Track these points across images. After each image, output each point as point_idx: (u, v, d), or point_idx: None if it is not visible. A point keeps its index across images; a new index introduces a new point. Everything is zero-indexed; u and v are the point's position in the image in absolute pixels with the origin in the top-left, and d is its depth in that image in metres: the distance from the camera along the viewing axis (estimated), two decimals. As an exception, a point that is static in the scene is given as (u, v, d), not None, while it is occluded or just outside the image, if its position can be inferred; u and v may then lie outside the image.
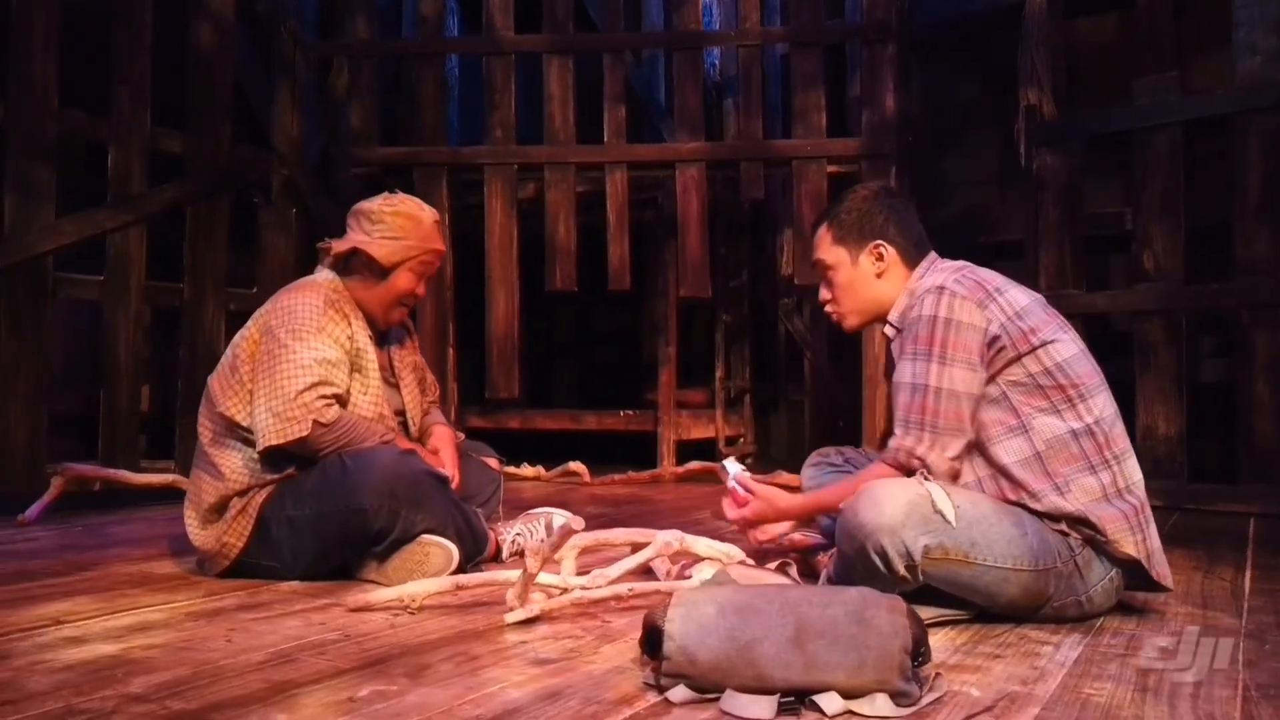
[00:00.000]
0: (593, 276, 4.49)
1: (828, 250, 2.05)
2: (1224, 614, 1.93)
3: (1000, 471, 1.81)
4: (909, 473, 1.81)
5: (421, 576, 2.04)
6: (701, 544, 1.97)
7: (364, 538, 2.10)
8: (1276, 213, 3.49)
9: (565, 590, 1.87)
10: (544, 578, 1.88)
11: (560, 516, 2.50)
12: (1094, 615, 1.83)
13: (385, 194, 2.34)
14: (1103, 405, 1.82)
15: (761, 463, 5.19)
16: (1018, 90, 4.10)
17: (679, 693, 1.34)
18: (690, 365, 5.24)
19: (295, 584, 2.14)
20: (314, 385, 2.09)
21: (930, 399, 1.80)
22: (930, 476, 1.77)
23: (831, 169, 4.39)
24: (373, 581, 2.13)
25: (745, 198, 4.49)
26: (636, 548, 2.03)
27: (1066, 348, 1.82)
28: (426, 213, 2.33)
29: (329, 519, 2.08)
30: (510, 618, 1.78)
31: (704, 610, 1.37)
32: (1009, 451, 1.80)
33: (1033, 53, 4.08)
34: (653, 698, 1.37)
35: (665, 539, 1.92)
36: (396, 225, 2.27)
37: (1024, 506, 1.79)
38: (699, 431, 5.01)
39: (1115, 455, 1.80)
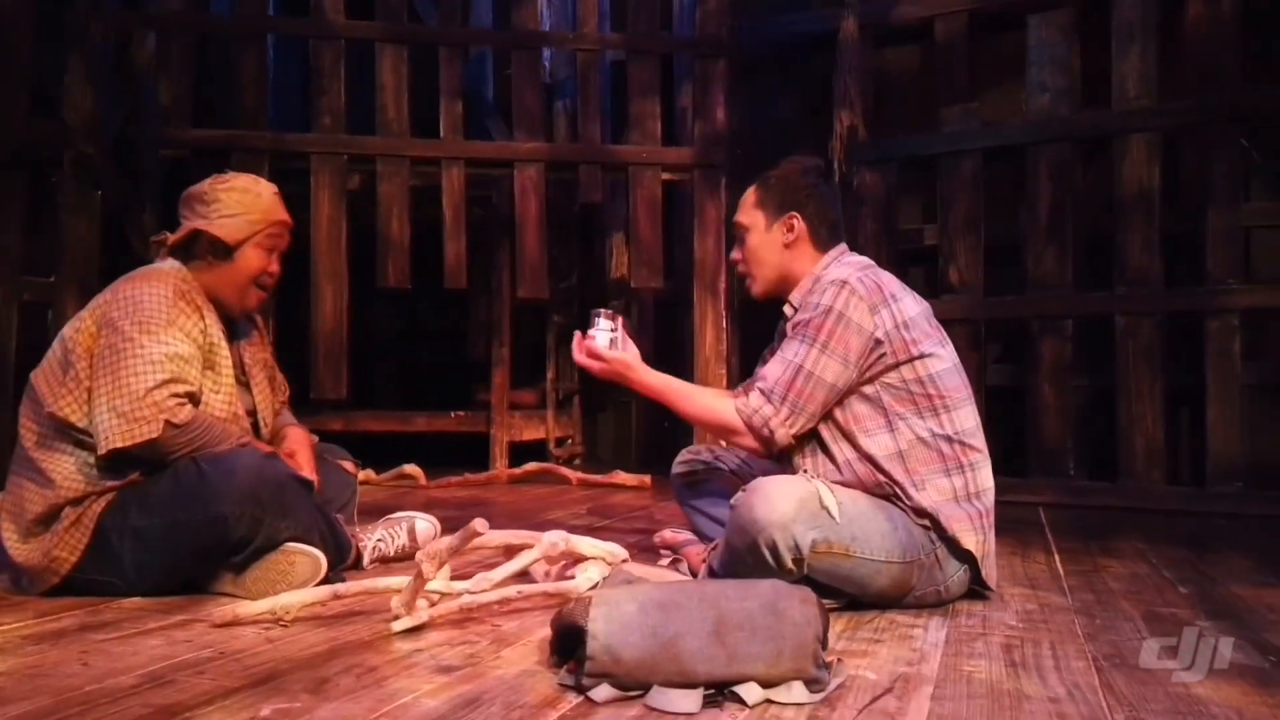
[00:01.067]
0: (420, 273, 4.37)
1: (748, 212, 2.13)
2: (1052, 593, 2.15)
3: (867, 458, 1.95)
4: (755, 434, 1.96)
5: (286, 587, 1.92)
6: (586, 544, 1.98)
7: (221, 548, 1.95)
8: (1062, 234, 3.91)
9: (448, 595, 1.82)
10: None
11: (423, 521, 2.43)
12: (949, 602, 1.99)
13: (214, 175, 2.19)
14: (965, 417, 1.98)
15: (590, 463, 5.23)
16: (833, 111, 4.38)
17: (602, 692, 1.35)
18: (519, 366, 5.21)
19: (139, 600, 1.96)
20: (165, 383, 1.92)
21: (800, 380, 1.93)
22: (770, 442, 1.96)
23: (665, 176, 4.50)
24: (229, 594, 1.99)
25: (583, 200, 4.51)
26: (510, 549, 2.01)
27: (941, 362, 1.97)
28: (263, 185, 2.19)
29: (183, 529, 1.92)
30: (397, 625, 1.71)
31: (626, 609, 1.39)
32: (877, 445, 1.94)
33: (846, 77, 4.37)
34: (574, 699, 1.36)
35: (551, 540, 1.91)
36: (233, 202, 2.12)
37: (894, 500, 1.92)
38: (530, 433, 4.99)
39: (971, 463, 1.97)
